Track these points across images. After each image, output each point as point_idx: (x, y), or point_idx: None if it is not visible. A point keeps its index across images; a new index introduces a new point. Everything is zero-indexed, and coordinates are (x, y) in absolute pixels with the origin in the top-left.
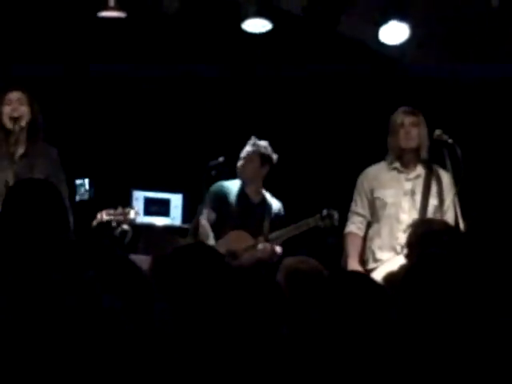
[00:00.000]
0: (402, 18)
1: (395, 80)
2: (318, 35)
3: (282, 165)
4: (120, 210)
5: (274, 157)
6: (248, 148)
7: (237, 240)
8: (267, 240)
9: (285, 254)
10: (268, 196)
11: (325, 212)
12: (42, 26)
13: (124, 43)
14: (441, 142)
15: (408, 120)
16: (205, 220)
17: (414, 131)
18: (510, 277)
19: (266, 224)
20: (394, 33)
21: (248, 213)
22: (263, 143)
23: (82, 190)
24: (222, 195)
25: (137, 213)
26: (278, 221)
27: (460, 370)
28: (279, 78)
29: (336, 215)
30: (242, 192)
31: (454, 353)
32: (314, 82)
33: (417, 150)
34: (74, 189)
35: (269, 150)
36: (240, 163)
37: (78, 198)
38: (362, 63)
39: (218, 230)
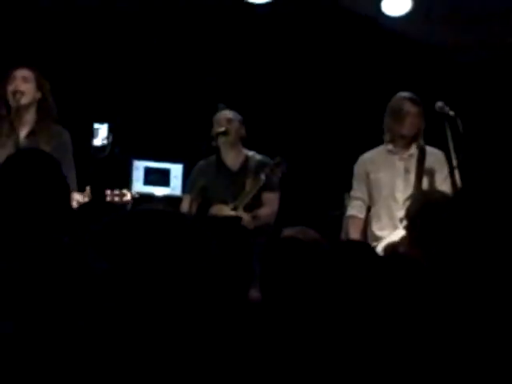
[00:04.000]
0: None
1: (396, 53)
2: (320, 8)
3: (277, 136)
4: (117, 191)
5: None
6: (224, 115)
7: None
8: (234, 209)
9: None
10: (251, 155)
11: (275, 160)
12: None
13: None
14: (442, 114)
15: (414, 110)
16: (184, 206)
17: (418, 121)
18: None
19: (248, 189)
20: (397, 4)
21: (229, 183)
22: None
23: (100, 135)
24: (202, 173)
25: (134, 194)
26: (259, 175)
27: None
28: (279, 54)
29: (284, 162)
30: (218, 164)
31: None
32: (314, 54)
33: (414, 136)
34: (91, 133)
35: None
36: (220, 130)
37: (95, 143)
38: (365, 37)
39: (207, 209)
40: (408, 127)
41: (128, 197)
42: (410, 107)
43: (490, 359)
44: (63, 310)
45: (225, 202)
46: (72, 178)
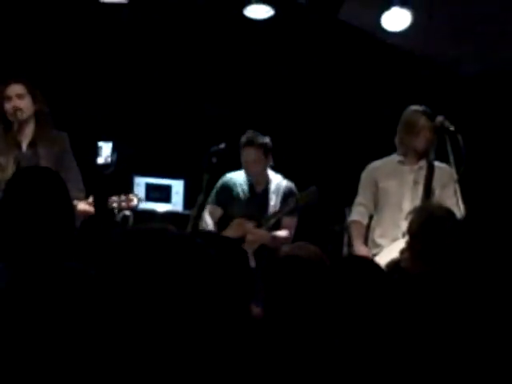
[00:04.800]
0: (404, 3)
1: (396, 67)
2: (320, 22)
3: (280, 152)
4: (123, 196)
5: (269, 141)
6: (249, 148)
7: (236, 228)
8: (259, 226)
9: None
10: (277, 179)
11: (309, 189)
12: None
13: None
14: (443, 128)
15: (429, 125)
16: (208, 215)
17: (432, 135)
18: (509, 263)
19: (277, 211)
20: (397, 19)
21: (252, 203)
22: (258, 136)
23: (104, 153)
24: (228, 189)
25: (140, 199)
26: (289, 200)
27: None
28: (279, 67)
29: (315, 190)
30: (247, 183)
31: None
32: (314, 69)
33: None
34: (95, 151)
35: (265, 139)
36: (245, 163)
37: (99, 161)
38: (365, 51)
39: (227, 223)
40: (422, 141)
41: (135, 201)
42: (425, 121)
43: (491, 372)
44: (65, 328)
45: (247, 218)
46: (79, 181)
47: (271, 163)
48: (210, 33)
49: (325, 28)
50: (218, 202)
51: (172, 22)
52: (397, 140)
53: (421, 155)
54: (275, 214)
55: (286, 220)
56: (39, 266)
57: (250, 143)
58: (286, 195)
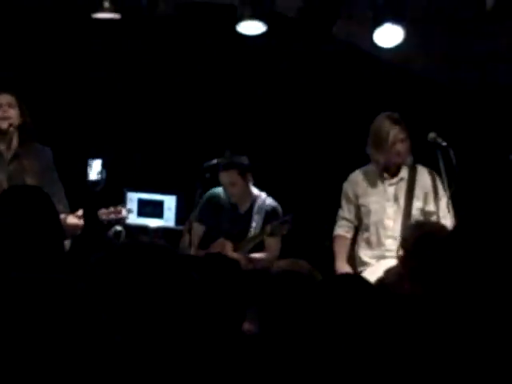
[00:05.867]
0: (396, 20)
1: (388, 83)
2: (313, 38)
3: (270, 168)
4: (112, 208)
5: (245, 161)
6: (224, 172)
7: (215, 249)
8: (235, 250)
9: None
10: (261, 198)
11: (286, 217)
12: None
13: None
14: (435, 144)
15: (399, 136)
16: (187, 232)
17: (405, 147)
18: (504, 275)
19: (252, 237)
20: (389, 35)
21: (235, 223)
22: (233, 158)
23: (95, 170)
24: (212, 206)
25: (129, 211)
26: (273, 220)
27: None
28: (272, 83)
29: (289, 219)
30: (230, 202)
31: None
32: (307, 84)
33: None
34: (86, 168)
35: (242, 160)
36: (223, 186)
37: (90, 178)
38: (357, 66)
39: (210, 240)
40: (396, 157)
41: (124, 213)
42: (394, 134)
43: None
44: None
45: (229, 237)
46: (62, 196)
47: (251, 181)
48: (202, 49)
49: (318, 44)
50: (201, 219)
51: (164, 39)
52: (368, 152)
53: (398, 165)
54: (252, 238)
55: (269, 240)
56: (27, 280)
57: (225, 167)
58: (269, 215)
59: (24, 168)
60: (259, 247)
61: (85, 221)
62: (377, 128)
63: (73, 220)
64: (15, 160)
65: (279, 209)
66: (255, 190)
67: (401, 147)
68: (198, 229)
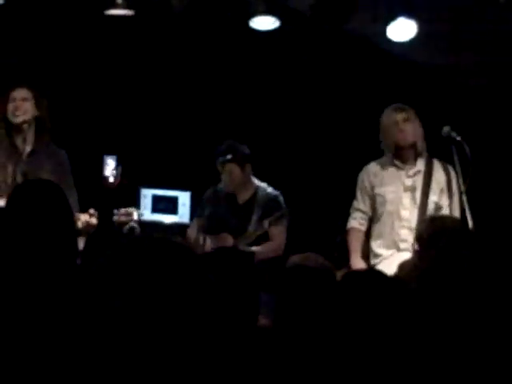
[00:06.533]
0: (409, 14)
1: (401, 78)
2: (326, 33)
3: (284, 164)
4: (123, 210)
5: (245, 151)
6: (222, 159)
7: (217, 242)
8: (236, 243)
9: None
10: (262, 189)
11: (278, 213)
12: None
13: (131, 44)
14: (449, 139)
15: (400, 116)
16: (192, 228)
17: (409, 127)
18: None
19: (250, 233)
20: (402, 30)
21: (234, 214)
22: (232, 148)
23: (110, 167)
24: (212, 201)
25: (140, 214)
26: (273, 211)
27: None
28: (285, 78)
29: (289, 215)
30: (229, 194)
31: (467, 351)
32: (320, 80)
33: (414, 146)
34: (101, 165)
35: (242, 149)
36: (221, 174)
37: (105, 174)
38: (370, 61)
39: (210, 231)
40: (399, 135)
41: (134, 216)
42: (395, 115)
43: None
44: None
45: (228, 230)
46: (74, 198)
47: (250, 171)
48: (215, 45)
49: (331, 39)
50: (203, 214)
51: (177, 35)
52: (382, 146)
53: (412, 152)
54: (248, 235)
55: (273, 229)
56: (41, 275)
57: (223, 162)
58: (270, 204)
59: (40, 167)
60: (264, 237)
61: (99, 218)
62: (383, 116)
63: (86, 218)
64: (31, 156)
65: (280, 198)
66: (256, 181)
67: (403, 125)
68: (199, 222)
